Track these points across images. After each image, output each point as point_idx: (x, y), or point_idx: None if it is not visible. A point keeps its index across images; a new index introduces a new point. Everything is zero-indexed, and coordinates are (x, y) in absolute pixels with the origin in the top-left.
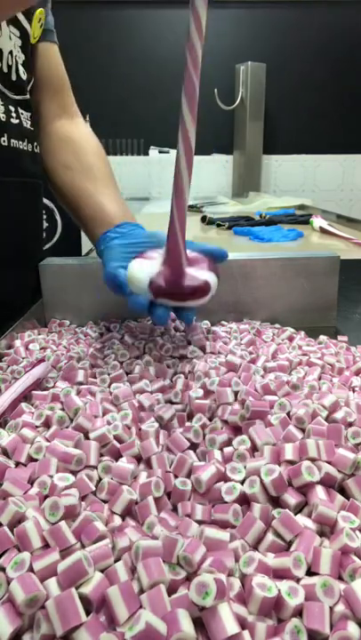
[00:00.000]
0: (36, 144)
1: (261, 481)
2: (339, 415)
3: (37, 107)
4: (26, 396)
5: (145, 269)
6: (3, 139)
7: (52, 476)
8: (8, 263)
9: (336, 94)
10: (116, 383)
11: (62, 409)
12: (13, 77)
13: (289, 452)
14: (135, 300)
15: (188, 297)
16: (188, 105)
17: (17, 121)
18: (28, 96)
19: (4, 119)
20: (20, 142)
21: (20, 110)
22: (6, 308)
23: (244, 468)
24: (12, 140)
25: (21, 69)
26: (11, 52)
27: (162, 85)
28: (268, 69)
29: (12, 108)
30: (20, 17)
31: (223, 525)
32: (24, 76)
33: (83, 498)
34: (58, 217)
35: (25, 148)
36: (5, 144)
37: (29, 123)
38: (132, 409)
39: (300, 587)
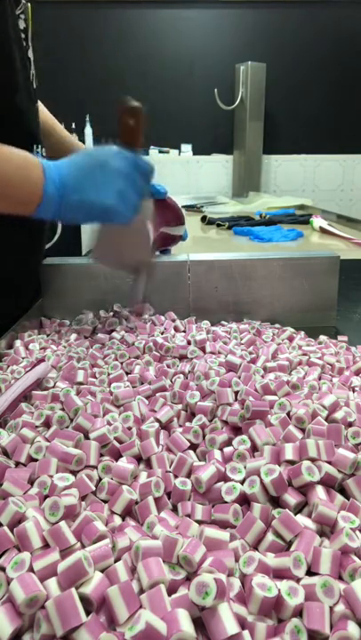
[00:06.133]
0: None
1: (261, 481)
2: (339, 415)
3: None
4: (26, 396)
5: None
6: (42, 149)
7: (52, 476)
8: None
9: (336, 94)
10: (116, 383)
11: (62, 409)
12: (34, 85)
13: (289, 452)
14: None
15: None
16: None
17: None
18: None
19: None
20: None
21: (37, 118)
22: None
23: (244, 467)
24: (44, 150)
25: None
26: (33, 61)
27: (162, 85)
28: (268, 69)
29: (36, 118)
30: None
31: (223, 525)
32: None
33: (83, 498)
34: None
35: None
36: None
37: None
38: (132, 410)
39: (300, 587)
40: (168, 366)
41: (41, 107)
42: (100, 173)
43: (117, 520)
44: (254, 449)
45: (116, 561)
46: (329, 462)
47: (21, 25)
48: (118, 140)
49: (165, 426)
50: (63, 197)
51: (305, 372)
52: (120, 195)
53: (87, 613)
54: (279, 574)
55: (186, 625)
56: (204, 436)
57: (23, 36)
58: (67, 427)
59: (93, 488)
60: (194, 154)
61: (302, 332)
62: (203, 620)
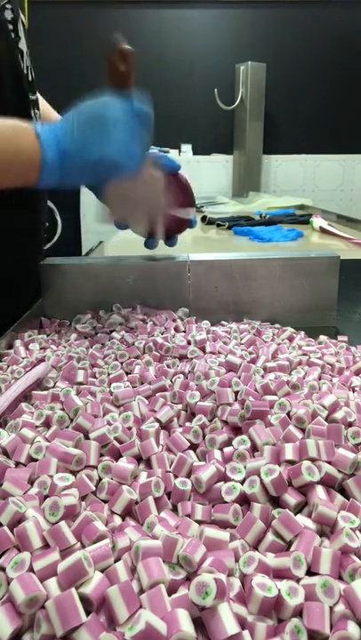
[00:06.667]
0: None
1: (261, 481)
2: (339, 415)
3: None
4: (26, 396)
5: None
6: None
7: (52, 476)
8: None
9: (336, 94)
10: (116, 383)
11: (62, 409)
12: (30, 78)
13: (289, 452)
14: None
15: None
16: None
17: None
18: (38, 95)
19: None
20: None
21: (35, 110)
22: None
23: (244, 467)
24: None
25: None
26: (27, 53)
27: (162, 85)
28: (268, 69)
29: (30, 111)
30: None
31: (223, 525)
32: (34, 75)
33: (83, 498)
34: (58, 217)
35: None
36: None
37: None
38: (132, 410)
39: (300, 587)
40: (168, 366)
41: (43, 103)
42: (99, 128)
43: (117, 520)
44: (254, 449)
45: (116, 561)
46: (329, 462)
47: (8, 16)
48: (108, 83)
49: (165, 426)
50: (64, 161)
51: (305, 372)
52: (123, 146)
53: (87, 613)
54: (279, 574)
55: (186, 625)
56: (204, 436)
57: (11, 27)
58: (67, 427)
59: (93, 488)
60: (194, 154)
61: (302, 332)
62: (203, 620)
